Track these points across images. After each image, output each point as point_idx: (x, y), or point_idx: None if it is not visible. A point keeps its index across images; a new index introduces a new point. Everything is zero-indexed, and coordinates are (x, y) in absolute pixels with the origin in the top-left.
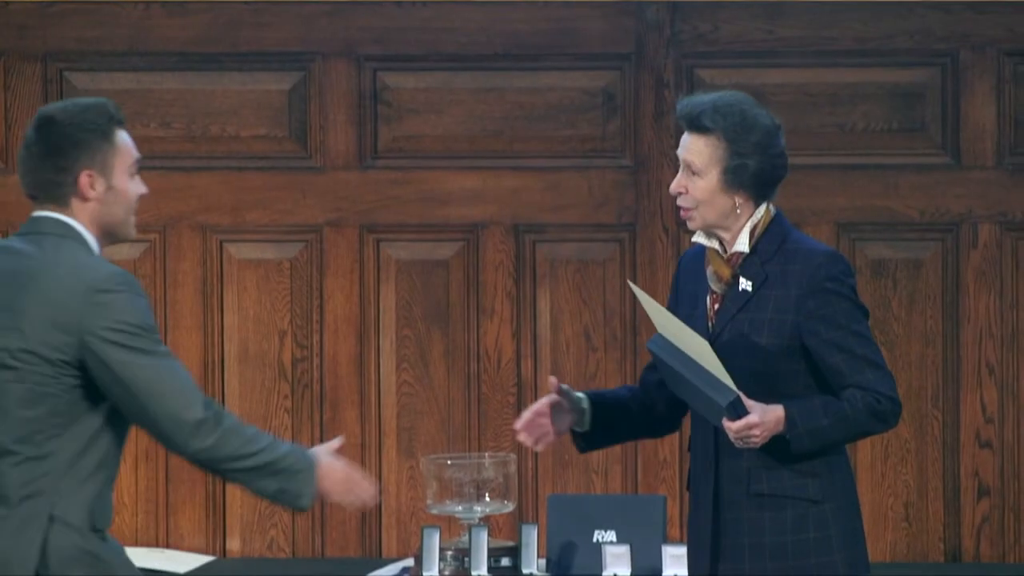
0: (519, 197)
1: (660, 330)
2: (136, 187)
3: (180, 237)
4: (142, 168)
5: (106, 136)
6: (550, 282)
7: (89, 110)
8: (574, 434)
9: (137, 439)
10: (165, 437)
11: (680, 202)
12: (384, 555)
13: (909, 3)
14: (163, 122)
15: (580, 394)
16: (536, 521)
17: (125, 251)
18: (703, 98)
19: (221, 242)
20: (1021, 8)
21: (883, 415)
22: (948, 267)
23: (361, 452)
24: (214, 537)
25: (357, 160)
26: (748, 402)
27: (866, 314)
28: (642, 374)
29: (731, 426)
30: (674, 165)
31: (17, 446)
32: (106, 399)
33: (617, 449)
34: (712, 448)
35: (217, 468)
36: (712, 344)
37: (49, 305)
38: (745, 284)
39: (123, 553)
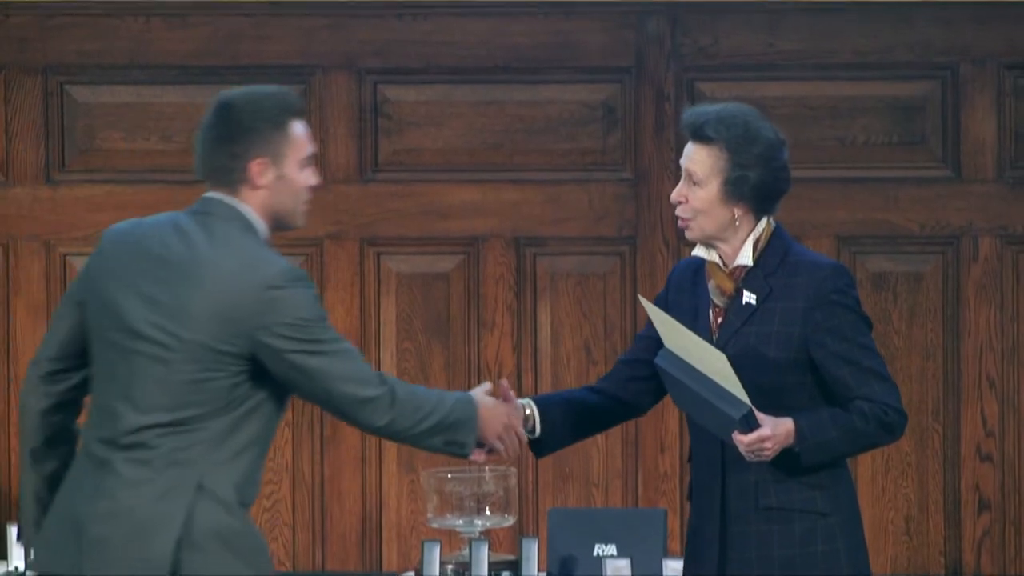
0: (519, 210)
1: (668, 343)
2: (307, 178)
3: None
4: (145, 181)
5: (280, 126)
6: (551, 295)
7: (268, 99)
8: (529, 441)
9: None
10: (348, 417)
11: (679, 211)
12: (384, 569)
13: (909, 16)
14: (164, 135)
15: (522, 400)
16: (537, 535)
17: None
18: (708, 108)
19: None
20: (1021, 21)
21: (891, 426)
22: (948, 280)
23: (362, 466)
24: None
25: (358, 173)
26: (759, 415)
27: (870, 326)
28: (615, 366)
29: (743, 439)
30: (675, 178)
31: (170, 418)
32: (266, 382)
33: (618, 463)
34: (718, 461)
35: (395, 438)
36: None
37: (219, 298)
38: (749, 297)
39: (260, 536)
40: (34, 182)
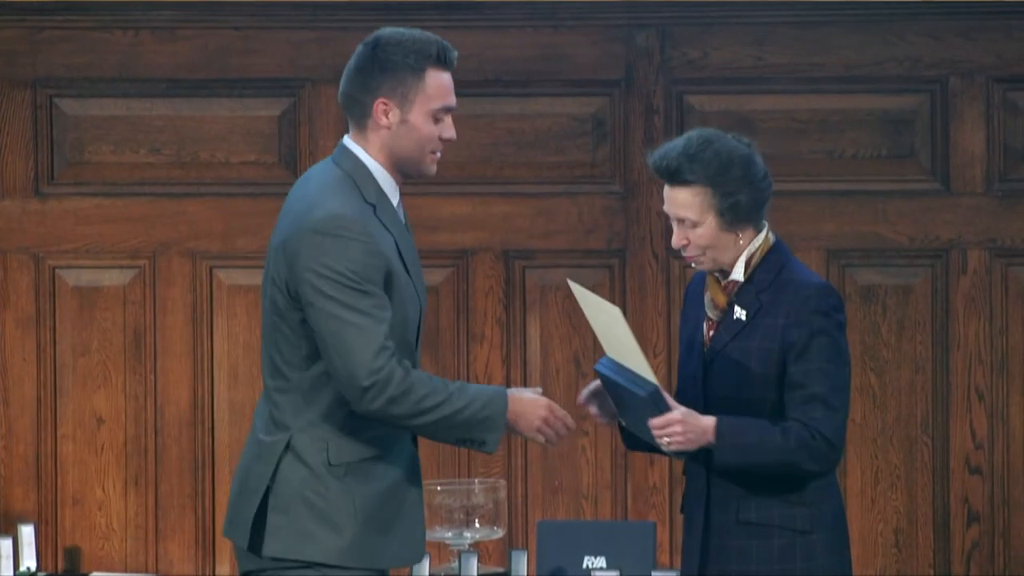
0: (509, 223)
1: (595, 328)
2: (438, 130)
3: (170, 263)
4: (134, 194)
5: (415, 72)
6: (540, 308)
7: (414, 42)
8: (621, 429)
9: (127, 466)
10: (342, 392)
11: (686, 253)
12: None
13: (898, 30)
14: (152, 148)
15: None
16: (526, 547)
17: (115, 277)
18: (673, 150)
19: (211, 268)
20: (1010, 35)
21: (813, 451)
22: (938, 293)
23: None
24: (204, 563)
25: None
26: (672, 402)
27: (845, 356)
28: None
29: (653, 423)
30: (663, 190)
31: (269, 372)
32: None
33: (607, 475)
34: (704, 473)
35: (394, 425)
36: (705, 371)
37: (283, 236)
38: (740, 312)
39: (351, 498)
40: (23, 195)
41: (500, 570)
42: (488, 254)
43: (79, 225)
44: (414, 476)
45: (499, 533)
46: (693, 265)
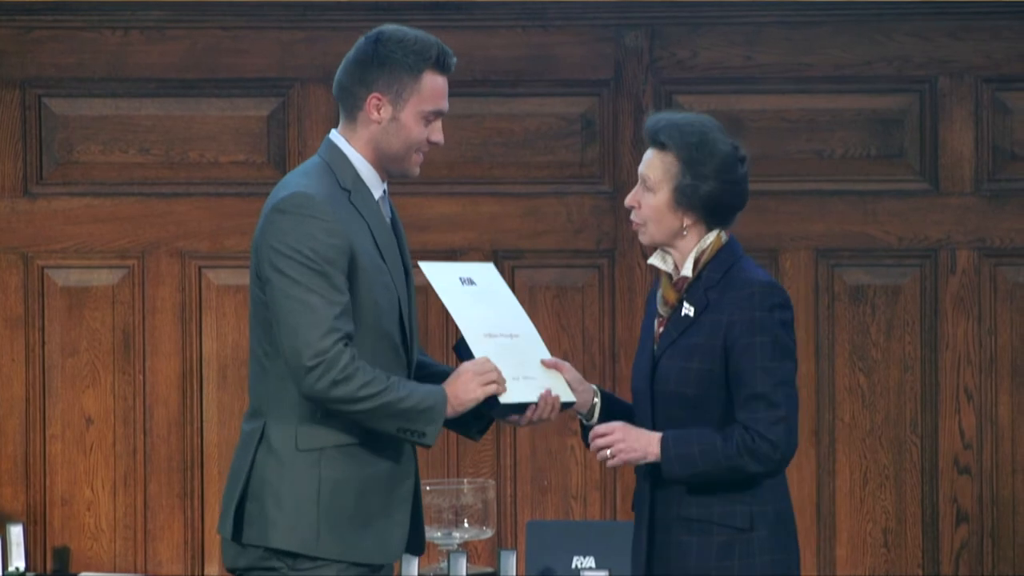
0: (498, 223)
1: (456, 306)
2: (427, 132)
3: (159, 263)
4: (123, 193)
5: (412, 72)
6: (529, 308)
7: (415, 42)
8: (582, 428)
9: (115, 467)
10: (288, 370)
11: (632, 216)
12: None
13: (887, 30)
14: (141, 148)
15: (593, 385)
16: (515, 547)
17: (104, 277)
18: (669, 115)
19: (200, 268)
20: (999, 35)
21: (756, 454)
22: (926, 293)
23: None
24: (193, 563)
25: None
26: (613, 426)
27: (788, 352)
28: None
29: (595, 431)
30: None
31: (252, 369)
32: None
33: (596, 475)
34: (652, 468)
35: (332, 408)
36: (653, 368)
37: (260, 221)
38: (688, 309)
39: (316, 485)
40: (12, 194)
41: (489, 570)
42: (477, 254)
43: (68, 225)
44: (404, 468)
45: (488, 533)
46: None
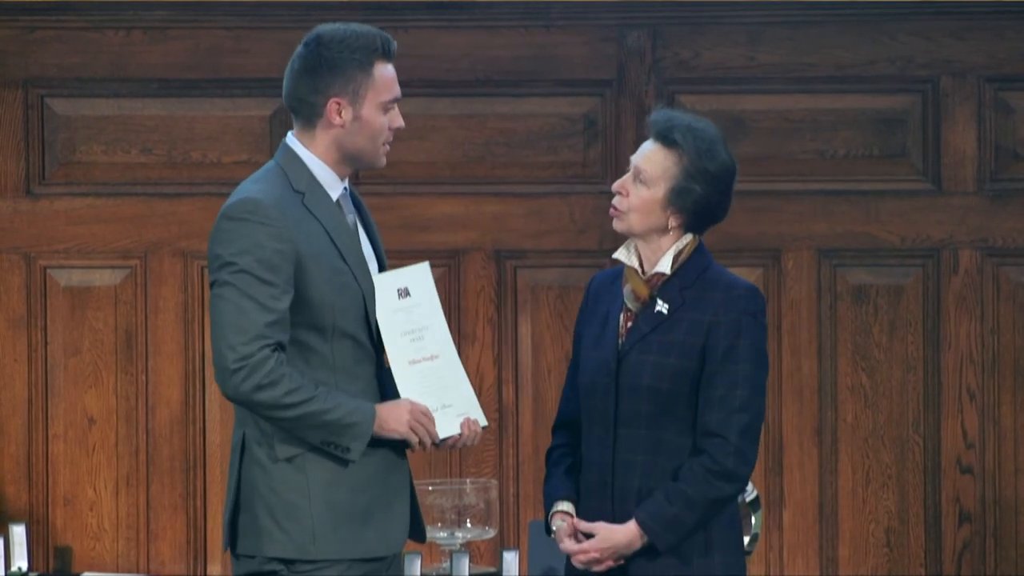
0: (500, 223)
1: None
2: (388, 120)
3: (161, 263)
4: (126, 194)
5: (363, 67)
6: (531, 308)
7: (357, 38)
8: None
9: (118, 467)
10: (216, 373)
11: (615, 201)
12: None
13: (890, 30)
14: (144, 148)
15: (562, 507)
16: (517, 547)
17: (106, 277)
18: (681, 114)
19: (202, 268)
20: (1001, 35)
21: (723, 474)
22: (929, 293)
23: None
24: (195, 563)
25: None
26: (591, 528)
27: (764, 357)
28: (561, 432)
29: (570, 550)
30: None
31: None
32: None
33: None
34: (609, 463)
35: (258, 414)
36: (619, 362)
37: None
38: (662, 306)
39: (301, 492)
40: (14, 194)
41: (492, 570)
42: (480, 254)
43: (70, 225)
44: (393, 460)
45: (491, 533)
46: (614, 219)
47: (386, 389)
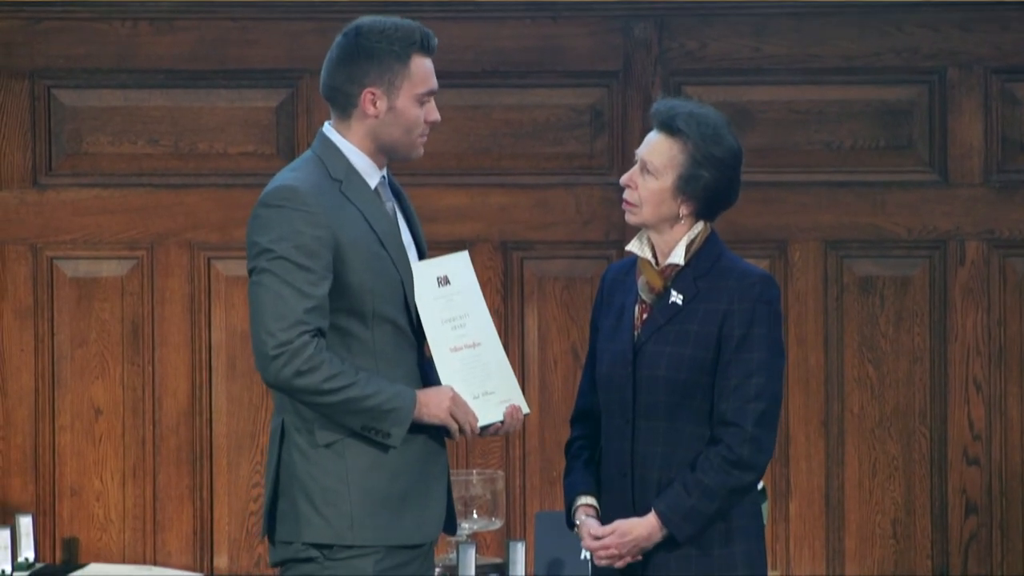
0: (507, 214)
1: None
2: (424, 114)
3: (168, 254)
4: (132, 184)
5: (400, 59)
6: (538, 299)
7: (396, 30)
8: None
9: (124, 457)
10: (256, 360)
11: (627, 195)
12: None
13: (896, 20)
14: (151, 139)
15: (587, 500)
16: (524, 538)
17: (113, 268)
18: (683, 103)
19: (209, 259)
20: (1008, 26)
21: (739, 463)
22: (935, 284)
23: None
24: (202, 554)
25: None
26: (607, 528)
27: (779, 344)
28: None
29: (590, 539)
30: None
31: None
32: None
33: None
34: (628, 455)
35: (298, 400)
36: (635, 353)
37: None
38: (676, 297)
39: (340, 477)
40: (21, 185)
41: (498, 561)
42: (486, 245)
43: (77, 216)
44: (432, 449)
45: (497, 524)
46: (626, 212)
47: (428, 378)
